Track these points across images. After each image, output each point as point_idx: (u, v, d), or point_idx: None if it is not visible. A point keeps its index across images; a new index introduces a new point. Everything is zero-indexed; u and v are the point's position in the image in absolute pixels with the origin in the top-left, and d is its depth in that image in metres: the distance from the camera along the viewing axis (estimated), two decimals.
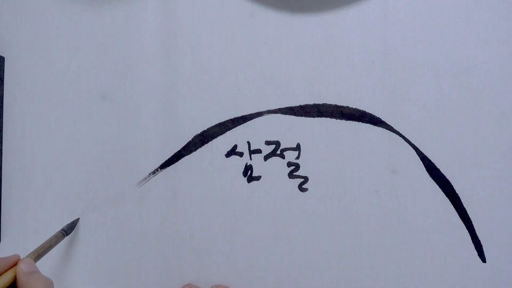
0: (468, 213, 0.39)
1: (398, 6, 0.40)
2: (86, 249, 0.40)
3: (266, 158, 0.40)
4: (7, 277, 0.29)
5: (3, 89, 0.41)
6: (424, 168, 0.39)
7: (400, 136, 0.40)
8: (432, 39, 0.40)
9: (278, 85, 0.40)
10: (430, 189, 0.39)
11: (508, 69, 0.39)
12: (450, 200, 0.39)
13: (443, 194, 0.39)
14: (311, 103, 0.40)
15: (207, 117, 0.41)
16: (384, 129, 0.40)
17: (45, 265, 0.40)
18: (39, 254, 0.32)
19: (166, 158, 0.40)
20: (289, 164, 0.40)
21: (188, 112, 0.41)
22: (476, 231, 0.39)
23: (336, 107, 0.40)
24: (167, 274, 0.40)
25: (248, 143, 0.40)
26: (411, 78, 0.40)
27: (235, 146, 0.40)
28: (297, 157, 0.40)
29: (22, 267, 0.29)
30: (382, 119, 0.40)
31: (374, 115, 0.40)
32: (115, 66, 0.41)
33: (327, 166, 0.40)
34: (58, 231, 0.37)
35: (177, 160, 0.40)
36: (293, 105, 0.40)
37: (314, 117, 0.40)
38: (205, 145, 0.41)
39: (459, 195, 0.39)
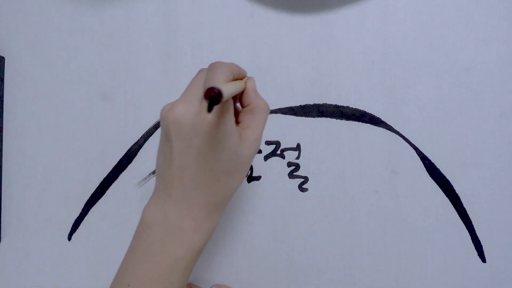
0: (468, 213, 0.39)
1: (398, 6, 0.40)
2: (86, 249, 0.40)
3: (266, 158, 0.40)
4: (240, 86, 0.29)
5: (3, 89, 0.41)
6: (424, 168, 0.39)
7: (400, 136, 0.40)
8: (432, 39, 0.40)
9: (278, 85, 0.40)
10: (430, 189, 0.39)
11: (508, 69, 0.39)
12: (450, 200, 0.39)
13: (443, 194, 0.39)
14: (311, 103, 0.40)
15: None
16: (384, 129, 0.40)
17: (45, 265, 0.40)
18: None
19: None
20: (289, 164, 0.40)
21: None
22: (476, 231, 0.39)
23: (336, 107, 0.40)
24: None
25: None
26: (411, 78, 0.40)
27: None
28: (297, 157, 0.40)
29: (252, 83, 0.31)
30: (382, 119, 0.40)
31: (374, 115, 0.40)
32: (115, 66, 0.41)
33: (327, 166, 0.40)
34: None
35: None
36: (293, 105, 0.40)
37: (314, 117, 0.40)
38: None
39: (459, 195, 0.39)
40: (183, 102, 0.27)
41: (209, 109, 0.22)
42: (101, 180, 0.41)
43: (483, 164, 0.39)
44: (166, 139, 0.28)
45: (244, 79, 0.32)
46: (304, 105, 0.40)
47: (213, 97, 0.22)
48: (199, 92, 0.28)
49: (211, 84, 0.26)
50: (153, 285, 0.28)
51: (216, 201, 0.29)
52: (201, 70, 0.30)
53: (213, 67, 0.28)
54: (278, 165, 0.40)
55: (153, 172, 0.40)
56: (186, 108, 0.26)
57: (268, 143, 0.40)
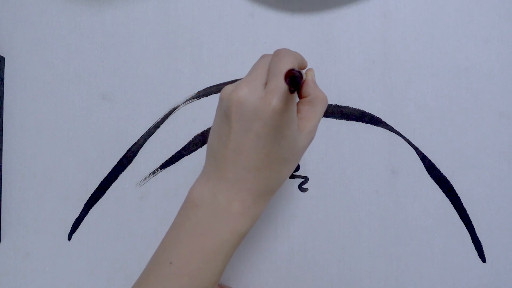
0: (468, 213, 0.39)
1: (398, 6, 0.40)
2: (86, 249, 0.40)
3: None
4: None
5: (3, 89, 0.41)
6: (424, 168, 0.39)
7: (400, 136, 0.40)
8: (432, 39, 0.40)
9: None
10: (430, 189, 0.39)
11: (508, 69, 0.39)
12: (450, 200, 0.39)
13: (443, 194, 0.39)
14: None
15: (208, 117, 0.41)
16: (384, 129, 0.40)
17: (45, 265, 0.40)
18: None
19: (166, 158, 0.40)
20: None
21: (188, 112, 0.41)
22: (476, 231, 0.39)
23: (336, 107, 0.40)
24: None
25: None
26: (411, 78, 0.40)
27: None
28: None
29: (313, 74, 0.31)
30: (382, 119, 0.40)
31: (374, 115, 0.40)
32: (115, 66, 0.41)
33: (327, 166, 0.40)
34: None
35: (177, 160, 0.40)
36: None
37: None
38: (206, 145, 0.40)
39: (459, 195, 0.39)
40: (248, 85, 0.26)
41: (293, 90, 0.21)
42: (101, 180, 0.41)
43: (483, 164, 0.39)
44: (225, 120, 0.27)
45: (304, 70, 0.32)
46: None
47: (295, 77, 0.21)
48: (263, 76, 0.27)
49: (277, 70, 0.26)
50: (196, 264, 0.28)
51: (266, 188, 0.28)
52: (264, 56, 0.30)
53: (279, 53, 0.28)
54: None
55: (153, 172, 0.40)
56: (250, 91, 0.26)
57: None
